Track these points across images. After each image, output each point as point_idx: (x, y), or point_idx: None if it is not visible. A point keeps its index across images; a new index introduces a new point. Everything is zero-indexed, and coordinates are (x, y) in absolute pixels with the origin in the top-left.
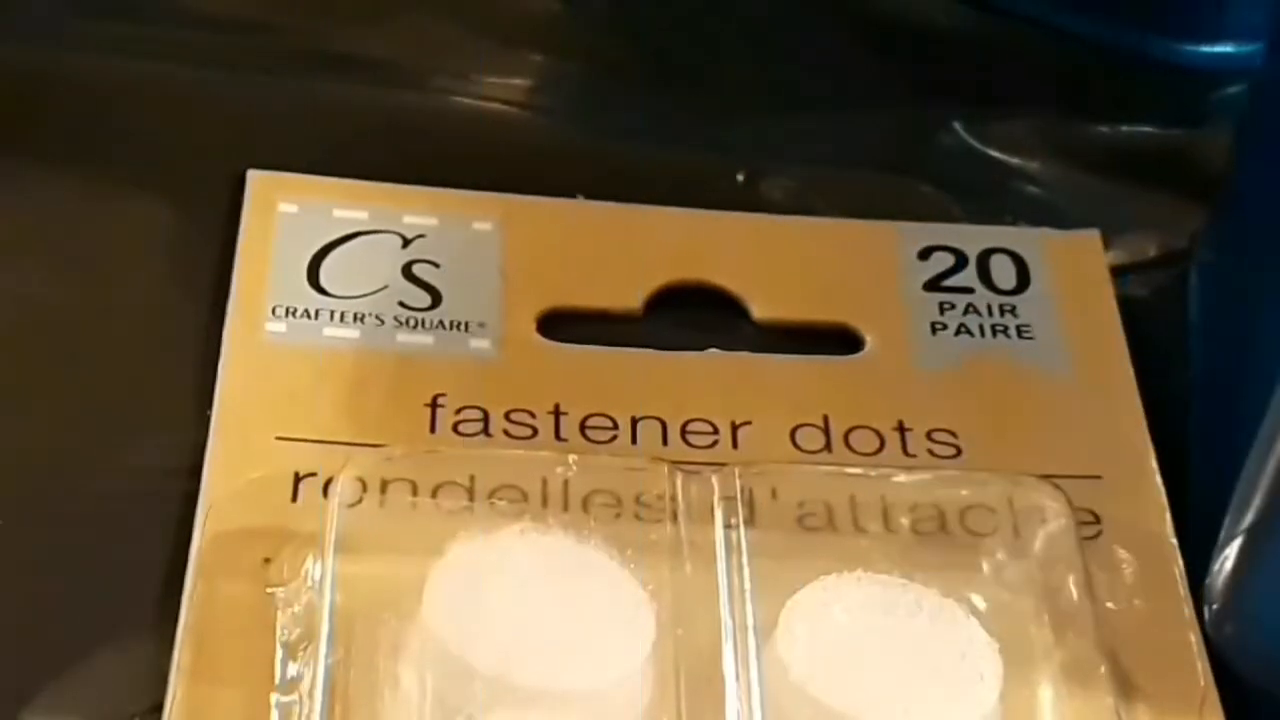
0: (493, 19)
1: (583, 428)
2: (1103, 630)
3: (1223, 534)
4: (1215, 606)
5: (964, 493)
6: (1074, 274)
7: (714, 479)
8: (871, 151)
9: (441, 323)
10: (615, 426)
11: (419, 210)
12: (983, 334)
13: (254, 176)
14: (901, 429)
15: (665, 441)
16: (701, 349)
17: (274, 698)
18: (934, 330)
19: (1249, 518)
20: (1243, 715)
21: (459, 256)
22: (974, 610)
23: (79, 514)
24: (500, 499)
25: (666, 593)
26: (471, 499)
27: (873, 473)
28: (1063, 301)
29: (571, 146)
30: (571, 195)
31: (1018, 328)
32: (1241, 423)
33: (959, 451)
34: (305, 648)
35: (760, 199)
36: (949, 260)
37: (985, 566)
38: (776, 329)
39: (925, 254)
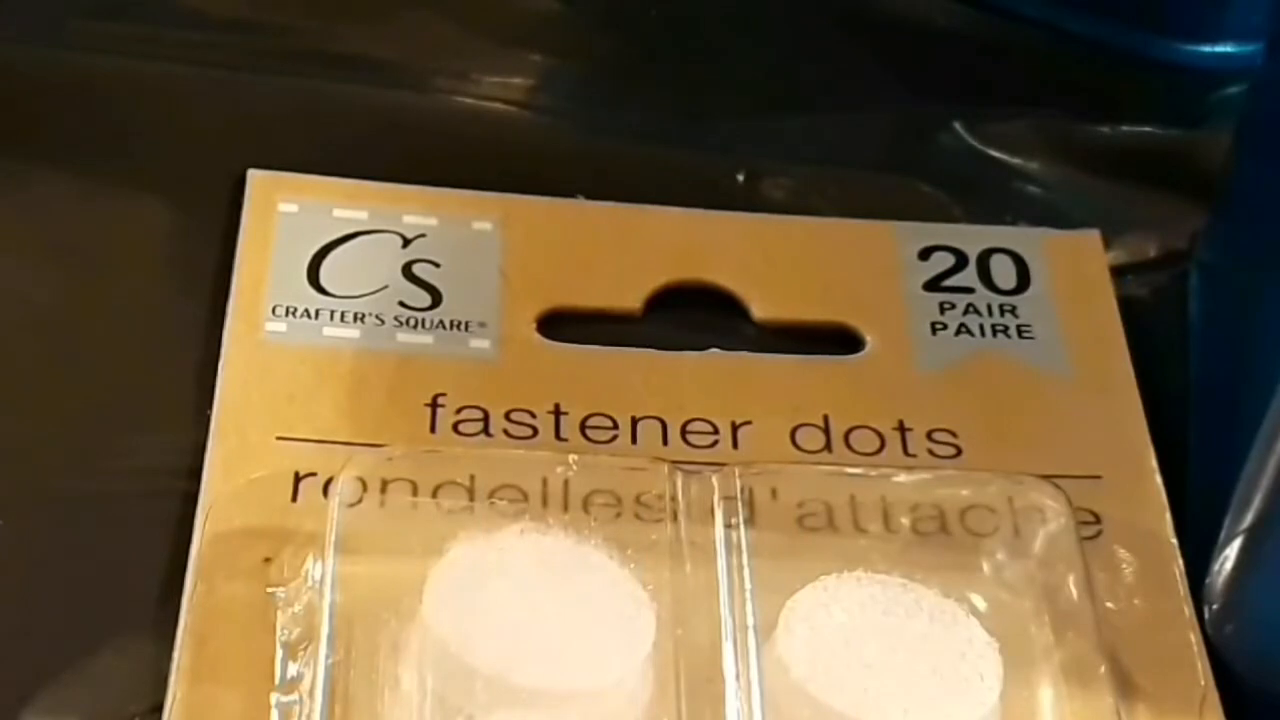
0: (493, 19)
1: (583, 428)
2: (1103, 630)
3: (1223, 534)
4: (1215, 606)
5: (964, 493)
6: (1074, 274)
7: (714, 479)
8: (871, 151)
9: (441, 323)
10: (615, 426)
11: (419, 210)
12: (983, 334)
13: (254, 176)
14: (901, 429)
15: (665, 441)
16: (701, 349)
17: (274, 698)
18: (934, 330)
19: (1249, 518)
20: (1243, 715)
21: (459, 256)
22: (974, 610)
23: (79, 514)
24: (500, 499)
25: (666, 593)
26: (471, 499)
27: (873, 473)
28: (1063, 301)
29: (571, 146)
30: (571, 195)
31: (1018, 328)
32: (1241, 423)
33: (959, 451)
34: (305, 648)
35: (760, 199)
36: (949, 260)
37: (985, 566)
38: (776, 329)
39: (925, 254)
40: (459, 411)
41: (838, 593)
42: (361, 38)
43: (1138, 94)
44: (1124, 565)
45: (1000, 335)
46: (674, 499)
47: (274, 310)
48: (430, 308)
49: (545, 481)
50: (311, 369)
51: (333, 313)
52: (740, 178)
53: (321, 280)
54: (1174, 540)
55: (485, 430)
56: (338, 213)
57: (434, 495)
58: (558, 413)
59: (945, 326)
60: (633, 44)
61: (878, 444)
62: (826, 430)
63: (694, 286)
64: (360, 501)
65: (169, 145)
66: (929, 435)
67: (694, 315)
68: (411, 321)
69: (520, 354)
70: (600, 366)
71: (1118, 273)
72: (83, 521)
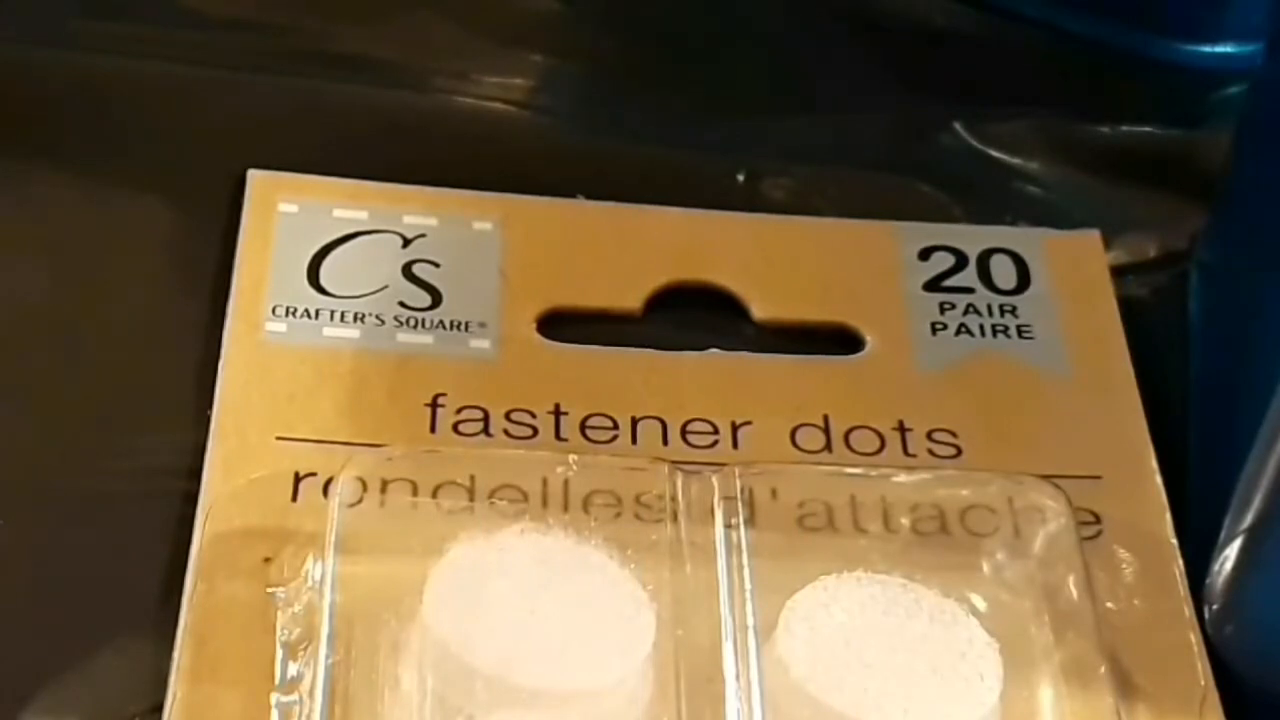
0: (493, 19)
1: (583, 428)
2: (1103, 630)
3: (1223, 534)
4: (1215, 606)
5: (964, 493)
6: (1074, 274)
7: (714, 479)
8: (871, 151)
9: (441, 323)
10: (615, 426)
11: (419, 210)
12: (983, 334)
13: (254, 176)
14: (901, 429)
15: (665, 441)
16: (701, 349)
17: (274, 698)
18: (934, 330)
19: (1249, 518)
20: (1243, 715)
21: (459, 256)
22: (974, 610)
23: (79, 514)
24: (500, 499)
25: (666, 593)
26: (472, 499)
27: (873, 473)
28: (1063, 301)
29: (571, 146)
30: (571, 195)
31: (1018, 328)
32: (1241, 423)
33: (959, 451)
34: (305, 648)
35: (760, 199)
36: (949, 260)
37: (985, 566)
38: (776, 329)
39: (925, 254)
40: (459, 411)
41: (838, 593)
42: (361, 38)
43: (1138, 94)
44: (1124, 565)
45: (1000, 335)
46: (674, 499)
47: (274, 310)
48: (430, 308)
49: (545, 481)
50: (311, 369)
51: (333, 313)
52: (740, 178)
53: (321, 280)
54: (1174, 540)
55: (485, 430)
56: (338, 213)
57: (434, 495)
58: (558, 413)
59: (945, 326)
60: (633, 44)
61: (878, 444)
62: (826, 430)
63: (694, 286)
64: (360, 501)
65: (169, 145)
66: (929, 435)
67: (694, 315)
68: (411, 321)
69: (520, 354)
70: (600, 366)
71: (1118, 273)
72: (83, 521)
